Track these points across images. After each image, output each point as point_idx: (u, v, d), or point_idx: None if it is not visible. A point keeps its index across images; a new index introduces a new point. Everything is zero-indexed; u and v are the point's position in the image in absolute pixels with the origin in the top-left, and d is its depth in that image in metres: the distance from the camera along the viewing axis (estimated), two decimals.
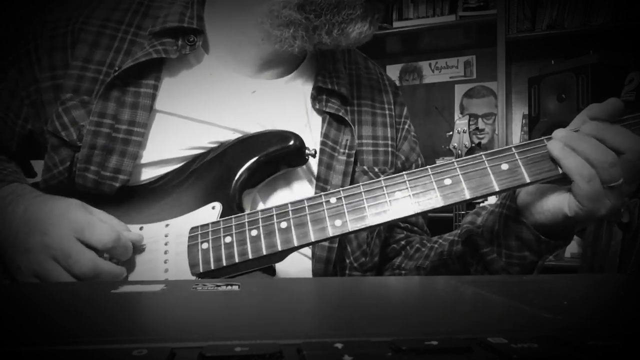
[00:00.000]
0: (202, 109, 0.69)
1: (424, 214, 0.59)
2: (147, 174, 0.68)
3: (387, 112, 0.81)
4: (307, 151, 0.67)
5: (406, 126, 0.84)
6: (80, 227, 0.58)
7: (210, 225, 0.61)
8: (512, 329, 0.27)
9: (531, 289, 0.39)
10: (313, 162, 0.71)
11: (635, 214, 1.27)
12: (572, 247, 2.17)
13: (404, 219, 0.82)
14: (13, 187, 0.66)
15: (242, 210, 0.64)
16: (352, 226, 0.57)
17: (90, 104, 0.67)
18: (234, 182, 0.65)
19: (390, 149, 0.79)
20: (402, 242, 0.81)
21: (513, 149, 0.58)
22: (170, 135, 0.68)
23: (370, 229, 0.59)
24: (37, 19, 0.72)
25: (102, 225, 0.59)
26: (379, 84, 0.83)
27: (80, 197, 0.65)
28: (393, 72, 2.94)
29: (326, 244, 0.70)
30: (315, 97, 0.74)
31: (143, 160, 0.68)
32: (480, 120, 2.76)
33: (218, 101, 0.70)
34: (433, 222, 0.99)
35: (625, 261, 1.30)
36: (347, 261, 0.73)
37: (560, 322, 0.27)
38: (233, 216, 0.61)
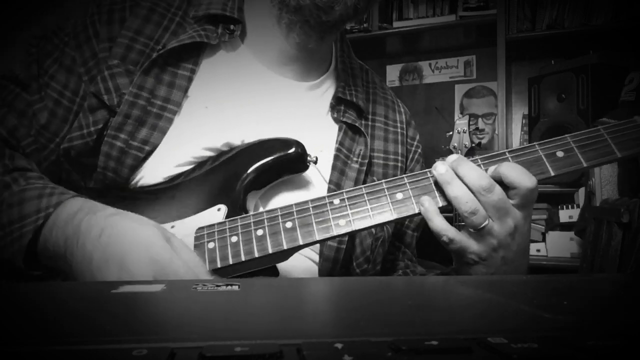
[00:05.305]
0: (227, 102, 0.71)
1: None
2: (160, 175, 0.68)
3: (399, 130, 0.84)
4: (308, 158, 0.68)
5: (419, 150, 0.87)
6: (164, 272, 0.52)
7: (216, 225, 0.62)
8: (512, 329, 0.27)
9: (531, 289, 0.39)
10: (322, 168, 0.73)
11: (635, 213, 1.27)
12: (572, 247, 2.17)
13: (401, 239, 0.84)
14: (80, 203, 0.60)
15: (247, 213, 0.65)
16: (355, 225, 0.59)
17: (134, 74, 0.69)
18: (239, 185, 0.66)
19: (400, 164, 0.82)
20: (387, 265, 0.82)
21: (507, 153, 0.60)
22: (187, 135, 0.69)
23: (374, 227, 0.60)
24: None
25: (185, 271, 0.53)
26: (393, 104, 0.86)
27: (95, 184, 0.66)
28: (393, 72, 2.94)
29: (334, 244, 0.71)
30: (334, 107, 0.77)
31: (157, 161, 0.68)
32: (480, 120, 2.76)
33: (243, 96, 0.72)
34: None
35: (625, 261, 1.30)
36: (351, 266, 0.74)
37: (560, 322, 0.27)
38: (238, 217, 0.62)
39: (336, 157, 0.74)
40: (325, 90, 0.79)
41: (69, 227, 0.56)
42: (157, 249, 0.52)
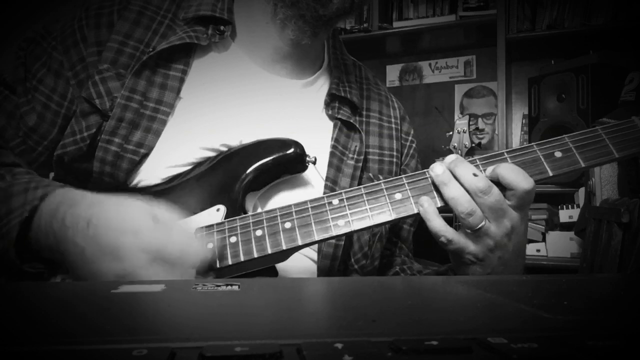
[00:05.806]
0: (222, 103, 0.71)
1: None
2: (158, 176, 0.68)
3: (393, 125, 0.84)
4: (307, 158, 0.68)
5: (414, 145, 0.87)
6: (158, 256, 0.52)
7: (215, 226, 0.62)
8: (512, 329, 0.27)
9: (531, 289, 0.39)
10: (320, 167, 0.73)
11: (635, 214, 1.27)
12: (572, 247, 2.17)
13: (397, 234, 0.85)
14: (60, 196, 0.59)
15: (245, 213, 0.65)
16: (354, 225, 0.59)
17: (125, 77, 0.69)
18: (238, 186, 0.66)
19: (395, 159, 0.82)
20: (384, 260, 0.83)
21: (505, 153, 0.61)
22: (184, 136, 0.69)
23: (373, 227, 0.60)
24: (80, 3, 0.74)
25: (179, 253, 0.53)
26: (387, 100, 0.86)
27: (91, 180, 0.66)
28: (393, 72, 2.94)
29: (333, 240, 0.71)
30: (328, 104, 0.77)
31: (155, 163, 0.68)
32: (480, 120, 2.76)
33: (238, 96, 0.72)
34: None
35: (625, 261, 1.30)
36: (349, 262, 0.74)
37: (560, 322, 0.27)
38: (237, 217, 0.62)
39: (332, 154, 0.74)
40: (319, 88, 0.79)
41: (54, 224, 0.56)
42: (146, 233, 0.52)
